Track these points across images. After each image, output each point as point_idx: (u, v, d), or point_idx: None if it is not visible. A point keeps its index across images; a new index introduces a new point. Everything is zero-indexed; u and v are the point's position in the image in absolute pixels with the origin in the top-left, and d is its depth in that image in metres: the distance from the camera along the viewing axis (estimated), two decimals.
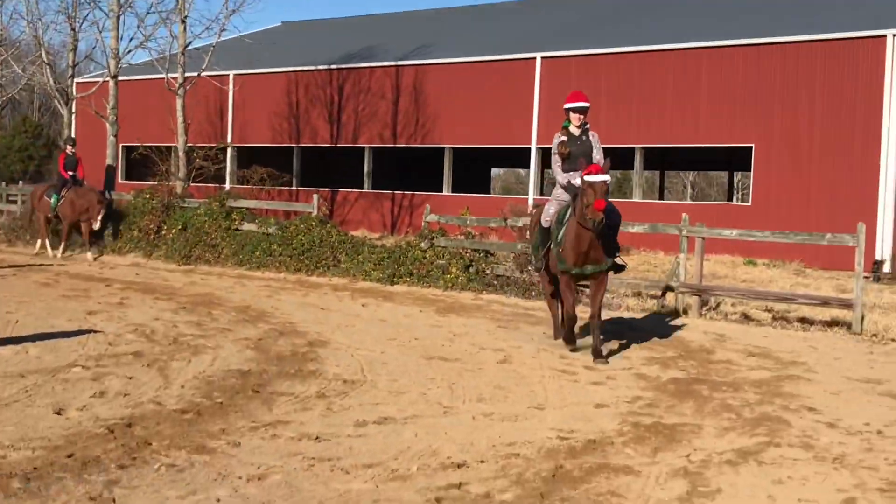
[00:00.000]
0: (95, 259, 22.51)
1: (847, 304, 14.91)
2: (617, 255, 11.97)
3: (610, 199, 11.43)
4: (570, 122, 11.99)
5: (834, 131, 26.69)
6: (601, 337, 11.71)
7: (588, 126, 12.07)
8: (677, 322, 14.95)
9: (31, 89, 42.81)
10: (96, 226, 22.57)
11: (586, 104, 11.95)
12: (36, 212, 24.34)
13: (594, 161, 11.56)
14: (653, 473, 6.70)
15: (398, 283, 18.60)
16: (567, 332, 12.22)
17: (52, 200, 23.17)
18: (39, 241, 23.97)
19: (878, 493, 6.35)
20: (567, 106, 12.03)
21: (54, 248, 23.43)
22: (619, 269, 12.21)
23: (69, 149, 24.13)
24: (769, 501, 6.17)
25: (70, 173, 23.53)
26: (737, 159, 40.89)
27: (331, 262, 20.27)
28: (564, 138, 11.95)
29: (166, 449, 6.84)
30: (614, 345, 12.49)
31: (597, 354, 11.37)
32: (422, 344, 12.13)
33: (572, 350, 11.93)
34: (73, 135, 30.80)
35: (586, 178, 10.97)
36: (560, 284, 12.21)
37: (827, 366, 11.55)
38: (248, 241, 21.76)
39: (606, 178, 11.07)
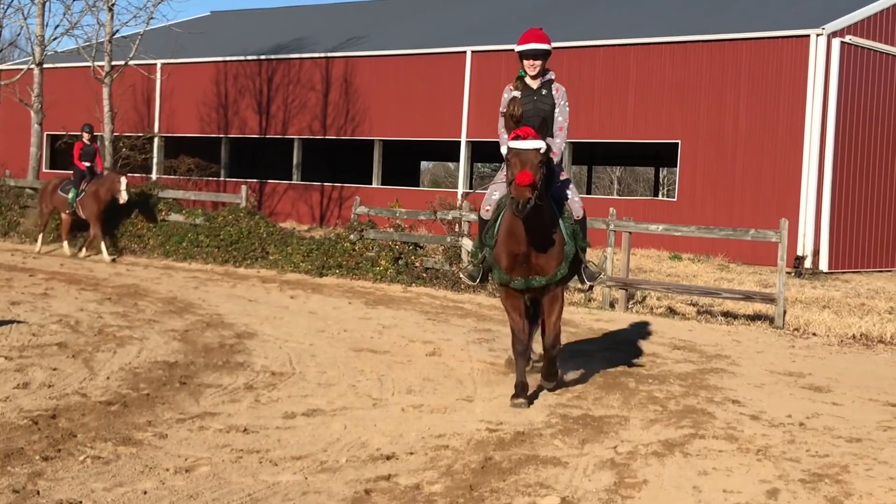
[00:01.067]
0: (114, 260, 20.68)
1: (770, 299, 15.13)
2: (587, 264, 9.19)
3: (564, 179, 9.22)
4: (525, 71, 8.86)
5: (758, 129, 27.00)
6: (558, 371, 9.32)
7: (553, 77, 8.99)
8: (604, 315, 15.06)
9: None
10: (123, 197, 20.48)
11: (545, 46, 8.73)
12: (42, 209, 22.57)
13: (558, 123, 8.75)
14: (581, 465, 6.73)
15: (327, 275, 18.53)
16: (518, 378, 8.80)
17: (70, 195, 21.04)
18: (41, 239, 22.36)
19: (801, 485, 6.44)
20: (519, 49, 8.81)
21: (72, 246, 21.86)
22: (592, 278, 9.29)
23: (86, 137, 21.62)
24: (694, 492, 6.23)
25: (87, 164, 21.33)
26: (663, 155, 41.27)
27: (259, 254, 20.15)
28: (517, 94, 8.76)
29: (92, 441, 6.74)
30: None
31: (548, 377, 9.14)
32: (351, 336, 12.09)
33: (516, 405, 8.52)
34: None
35: (511, 144, 8.03)
36: (503, 303, 9.40)
37: (750, 359, 11.70)
38: (175, 231, 21.58)
39: (538, 144, 7.99)
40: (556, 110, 8.76)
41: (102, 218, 20.92)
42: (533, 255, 8.38)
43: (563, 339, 11.94)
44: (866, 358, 12.41)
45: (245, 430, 7.30)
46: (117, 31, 30.22)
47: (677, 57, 28.80)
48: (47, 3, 30.21)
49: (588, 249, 9.33)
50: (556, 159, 8.64)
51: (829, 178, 25.99)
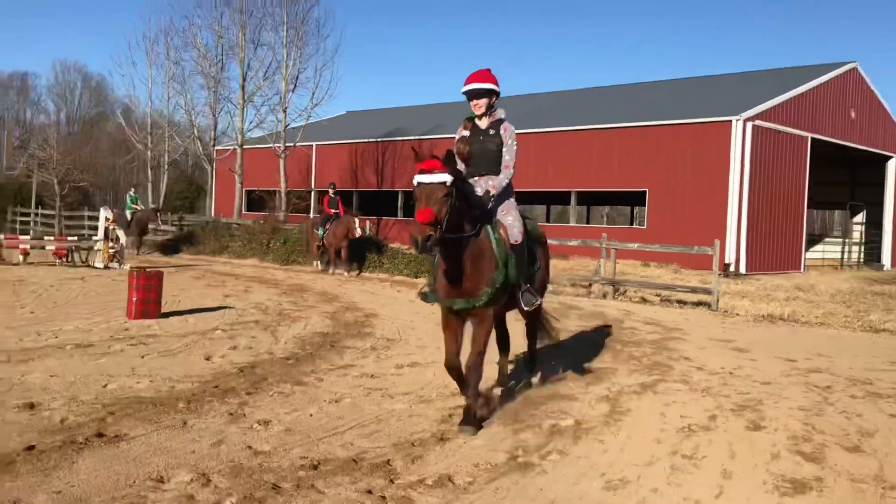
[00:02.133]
0: (352, 274, 19.29)
1: (708, 292, 14.84)
2: (526, 291, 6.09)
3: (530, 219, 6.82)
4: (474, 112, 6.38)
5: (699, 181, 26.60)
6: (477, 397, 5.85)
7: (503, 117, 6.36)
8: (600, 303, 14.90)
9: (187, 154, 42.72)
10: (357, 233, 18.91)
11: (486, 86, 6.23)
12: (309, 240, 21.06)
13: (504, 161, 6.22)
14: (586, 399, 6.67)
15: (420, 277, 18.50)
16: (466, 401, 5.82)
17: (319, 232, 19.95)
18: (315, 262, 20.72)
19: (731, 412, 6.32)
20: (463, 90, 6.32)
21: (326, 265, 20.22)
22: (528, 304, 6.13)
23: (331, 192, 20.70)
24: (661, 417, 6.14)
25: (333, 211, 20.14)
26: (636, 198, 40.88)
27: (377, 264, 20.22)
28: (466, 133, 6.42)
29: (277, 382, 6.83)
30: (561, 318, 12.40)
31: (466, 420, 5.62)
32: (436, 316, 11.97)
33: (463, 431, 5.52)
34: (209, 185, 30.54)
35: (416, 178, 5.43)
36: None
37: (696, 331, 11.47)
38: (325, 251, 21.73)
39: (443, 178, 5.32)
40: (504, 149, 6.22)
41: (344, 245, 19.20)
42: (463, 278, 5.66)
43: (574, 320, 11.88)
44: (771, 330, 12.12)
45: (372, 375, 7.34)
46: (289, 124, 30.66)
47: (647, 134, 28.48)
48: (245, 108, 30.72)
49: (539, 274, 6.67)
50: (493, 192, 5.99)
51: (746, 212, 25.53)
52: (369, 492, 4.26)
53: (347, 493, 4.22)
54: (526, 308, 6.16)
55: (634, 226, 46.94)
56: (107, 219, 19.09)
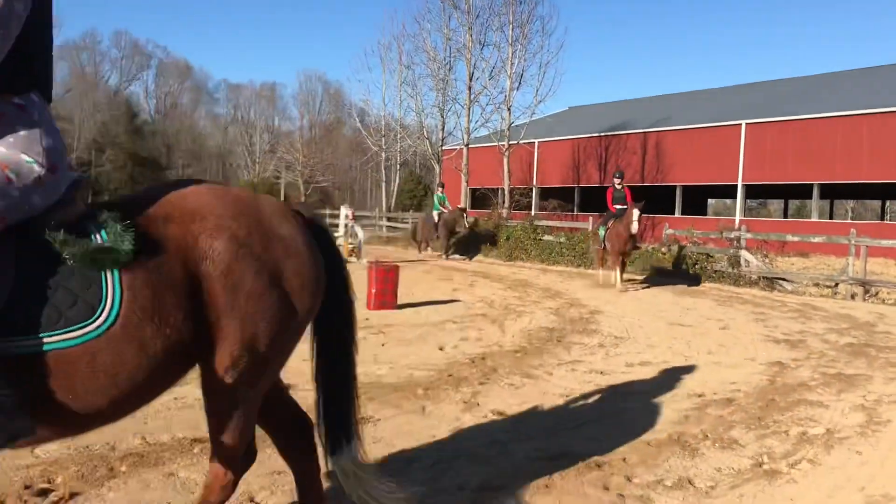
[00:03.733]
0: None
1: None
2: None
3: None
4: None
5: None
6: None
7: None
8: (847, 304, 13.67)
9: (415, 154, 44.67)
10: (635, 228, 14.51)
11: None
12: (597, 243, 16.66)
13: None
14: (839, 407, 6.12)
15: (644, 274, 17.99)
16: None
17: (601, 232, 16.03)
18: (600, 272, 16.34)
19: None
20: None
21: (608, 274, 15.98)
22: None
23: (616, 182, 16.12)
24: None
25: (617, 207, 15.69)
26: (887, 191, 37.05)
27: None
28: None
29: (507, 374, 6.95)
30: (804, 319, 11.53)
31: None
32: (665, 315, 11.68)
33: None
34: (441, 180, 28.27)
35: None
36: None
37: None
38: (547, 246, 21.80)
39: None
40: None
41: (624, 250, 15.11)
42: None
43: (818, 322, 10.93)
44: None
45: (601, 372, 7.25)
46: (512, 122, 31.05)
47: None
48: (471, 108, 31.55)
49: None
50: None
51: None
52: (606, 488, 4.20)
53: (584, 489, 4.19)
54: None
55: (886, 220, 42.60)
56: (346, 216, 20.46)
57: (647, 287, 15.66)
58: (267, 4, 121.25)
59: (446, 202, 23.59)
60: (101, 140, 64.48)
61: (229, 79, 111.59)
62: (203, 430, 4.86)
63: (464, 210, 23.60)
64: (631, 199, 15.59)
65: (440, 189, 24.04)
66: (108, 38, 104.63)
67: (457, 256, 22.91)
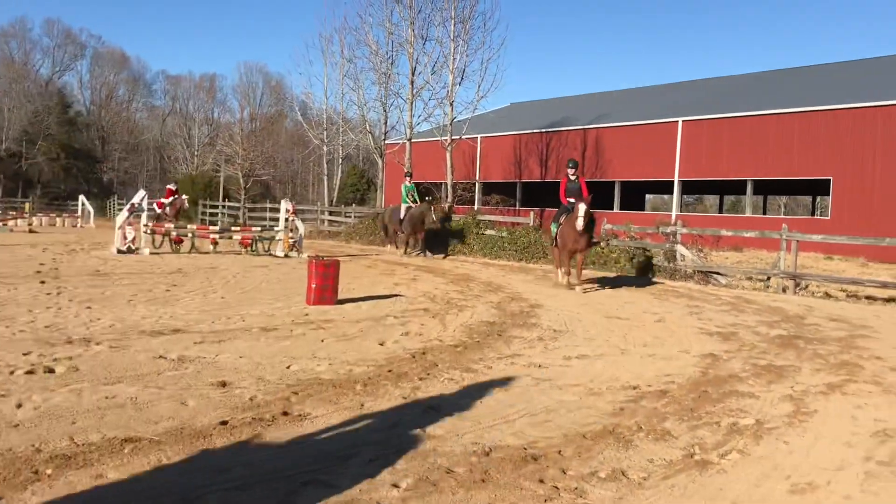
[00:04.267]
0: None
1: None
2: None
3: None
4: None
5: (890, 169, 24.51)
6: None
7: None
8: (779, 297, 14.07)
9: (358, 148, 44.40)
10: (583, 224, 13.57)
11: None
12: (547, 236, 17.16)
13: None
14: (768, 398, 6.30)
15: (584, 269, 18.22)
16: None
17: (553, 229, 15.06)
18: (559, 271, 14.76)
19: None
20: None
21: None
22: None
23: (570, 173, 15.08)
24: (852, 420, 5.69)
25: (570, 200, 14.44)
26: (817, 187, 38.25)
27: (541, 255, 20.15)
28: None
29: (447, 369, 6.94)
30: (737, 312, 11.83)
31: None
32: (603, 308, 11.86)
33: None
34: (409, 169, 27.64)
35: None
36: None
37: (888, 329, 10.57)
38: (489, 241, 21.93)
39: None
40: None
41: (576, 248, 14.15)
42: None
43: (750, 315, 11.24)
44: None
45: (539, 365, 7.30)
46: (455, 118, 31.08)
47: (831, 119, 26.51)
48: (413, 103, 31.47)
49: None
50: None
51: None
52: (541, 481, 4.24)
53: (520, 482, 4.22)
54: None
55: (816, 216, 44.01)
56: (287, 210, 20.20)
57: (589, 282, 15.85)
58: None
59: (416, 193, 21.93)
60: (32, 131, 62.40)
61: (168, 70, 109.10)
62: (135, 430, 4.77)
63: (431, 204, 21.80)
64: (587, 191, 14.51)
65: (408, 179, 22.35)
66: (39, 26, 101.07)
67: (428, 254, 21.66)
